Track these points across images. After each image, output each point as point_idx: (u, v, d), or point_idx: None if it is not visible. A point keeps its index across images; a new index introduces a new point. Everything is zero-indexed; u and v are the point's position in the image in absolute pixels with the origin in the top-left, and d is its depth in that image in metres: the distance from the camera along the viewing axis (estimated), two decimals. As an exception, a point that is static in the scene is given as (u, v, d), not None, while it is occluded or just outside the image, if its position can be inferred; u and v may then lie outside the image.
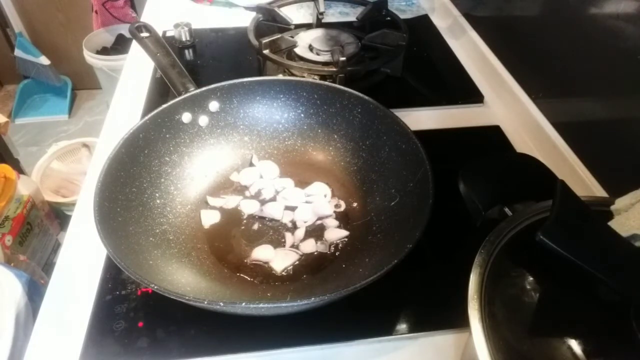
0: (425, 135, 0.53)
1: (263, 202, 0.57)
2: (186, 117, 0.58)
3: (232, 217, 0.56)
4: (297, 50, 0.79)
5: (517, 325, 0.34)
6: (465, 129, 0.71)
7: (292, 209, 0.56)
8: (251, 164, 0.62)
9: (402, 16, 0.92)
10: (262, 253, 0.51)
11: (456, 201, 0.48)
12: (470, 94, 0.78)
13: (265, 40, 0.76)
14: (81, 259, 0.52)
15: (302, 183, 0.60)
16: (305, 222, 0.55)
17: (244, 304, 0.37)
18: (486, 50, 0.83)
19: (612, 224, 0.36)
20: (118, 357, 0.43)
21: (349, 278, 0.47)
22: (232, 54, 0.88)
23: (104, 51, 1.98)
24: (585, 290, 0.35)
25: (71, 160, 1.68)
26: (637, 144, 0.53)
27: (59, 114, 2.16)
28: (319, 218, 0.55)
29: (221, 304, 0.38)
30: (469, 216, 0.47)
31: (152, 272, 0.44)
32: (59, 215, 1.44)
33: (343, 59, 0.72)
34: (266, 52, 0.76)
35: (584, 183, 0.59)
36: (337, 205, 0.57)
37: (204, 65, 0.85)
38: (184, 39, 0.88)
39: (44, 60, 2.04)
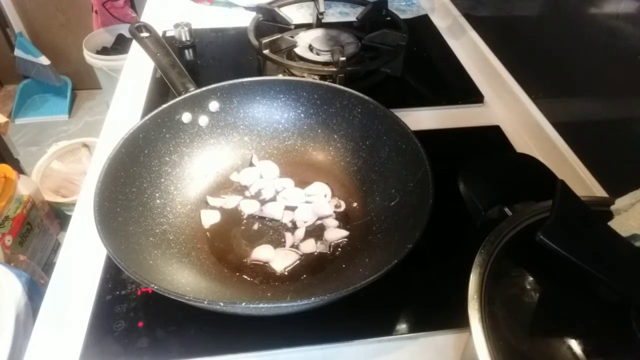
0: (425, 135, 0.53)
1: (263, 202, 0.57)
2: (186, 117, 0.58)
3: (232, 217, 0.56)
4: (297, 50, 0.79)
5: (517, 325, 0.34)
6: (465, 129, 0.71)
7: (292, 209, 0.56)
8: (251, 164, 0.62)
9: (402, 16, 0.92)
10: (262, 253, 0.51)
11: (456, 201, 0.47)
12: (470, 94, 0.78)
13: (265, 40, 0.76)
14: (81, 259, 0.52)
15: (302, 183, 0.60)
16: (305, 222, 0.55)
17: (244, 304, 0.37)
18: (486, 50, 0.83)
19: (612, 224, 0.36)
20: (118, 357, 0.43)
21: (349, 278, 0.47)
22: (232, 54, 0.88)
23: (104, 51, 1.98)
24: (585, 290, 0.35)
25: (71, 160, 1.68)
26: (637, 144, 0.53)
27: (59, 114, 2.16)
28: (319, 218, 0.55)
29: (221, 304, 0.38)
30: (469, 216, 0.46)
31: (152, 272, 0.44)
32: (59, 215, 1.44)
33: (343, 59, 0.72)
34: (266, 52, 0.76)
35: (584, 183, 0.59)
36: (337, 205, 0.57)
37: (204, 65, 0.85)
38: (184, 39, 0.88)
39: (44, 60, 2.04)
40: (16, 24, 2.02)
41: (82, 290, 0.48)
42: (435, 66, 0.86)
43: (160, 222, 0.52)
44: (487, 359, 0.30)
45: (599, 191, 0.57)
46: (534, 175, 0.50)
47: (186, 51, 0.88)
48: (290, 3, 0.94)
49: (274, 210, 0.56)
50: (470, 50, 0.88)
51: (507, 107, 0.75)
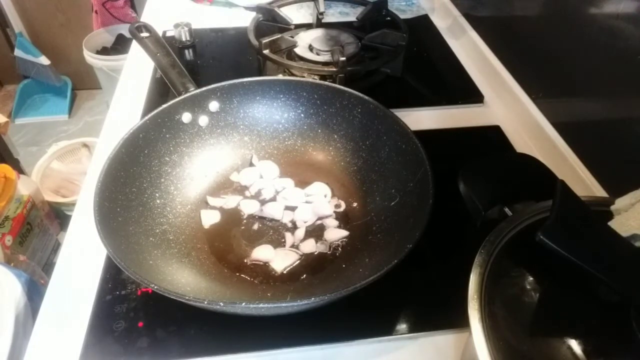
0: (425, 135, 0.53)
1: (263, 202, 0.57)
2: (186, 117, 0.58)
3: (232, 217, 0.56)
4: (297, 50, 0.79)
5: (517, 325, 0.34)
6: (465, 129, 0.71)
7: (292, 209, 0.56)
8: (251, 164, 0.62)
9: (402, 16, 0.92)
10: (262, 253, 0.51)
11: (456, 201, 0.47)
12: (470, 94, 0.78)
13: (265, 40, 0.76)
14: (81, 259, 0.52)
15: (302, 183, 0.60)
16: (305, 222, 0.55)
17: (244, 304, 0.37)
18: (486, 50, 0.83)
19: (612, 224, 0.36)
20: (118, 357, 0.43)
21: (349, 278, 0.47)
22: (232, 54, 0.88)
23: (104, 51, 1.98)
24: (585, 290, 0.35)
25: (71, 160, 1.68)
26: (637, 144, 0.53)
27: (59, 114, 2.16)
28: (319, 218, 0.55)
29: (221, 304, 0.38)
30: (469, 216, 0.46)
31: (152, 272, 0.44)
32: (59, 215, 1.44)
33: (343, 59, 0.72)
34: (266, 52, 0.76)
35: (584, 183, 0.59)
36: (337, 205, 0.57)
37: (204, 65, 0.85)
38: (184, 39, 0.88)
39: (44, 60, 2.04)
40: (16, 24, 2.02)
41: (82, 290, 0.48)
42: (435, 66, 0.86)
43: (160, 222, 0.52)
44: (487, 359, 0.30)
45: (599, 191, 0.57)
46: (534, 175, 0.50)
47: (186, 51, 0.88)
48: (290, 3, 0.94)
49: (274, 210, 0.56)
50: (470, 50, 0.88)
51: (507, 107, 0.75)
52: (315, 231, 0.54)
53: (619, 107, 0.57)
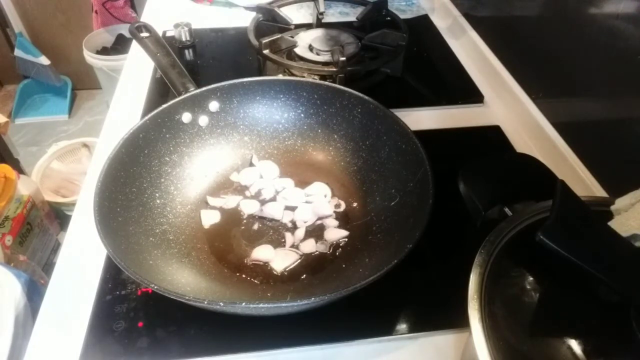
0: (425, 135, 0.53)
1: (263, 202, 0.57)
2: (186, 117, 0.58)
3: (232, 217, 0.56)
4: (297, 50, 0.79)
5: (517, 325, 0.34)
6: (465, 129, 0.71)
7: (292, 209, 0.56)
8: (251, 164, 0.62)
9: (402, 16, 0.92)
10: (262, 253, 0.51)
11: (456, 201, 0.47)
12: (470, 94, 0.78)
13: (265, 40, 0.76)
14: (81, 259, 0.52)
15: (302, 183, 0.60)
16: (305, 222, 0.55)
17: (244, 304, 0.37)
18: (486, 50, 0.83)
19: (612, 224, 0.36)
20: (118, 357, 0.43)
21: (349, 278, 0.47)
22: (232, 54, 0.88)
23: (104, 51, 1.98)
24: (585, 290, 0.35)
25: (71, 160, 1.68)
26: (637, 144, 0.53)
27: (59, 114, 2.16)
28: (319, 218, 0.55)
29: (221, 304, 0.38)
30: (469, 216, 0.46)
31: (152, 272, 0.44)
32: (59, 215, 1.44)
33: (343, 59, 0.72)
34: (266, 52, 0.76)
35: (584, 183, 0.59)
36: (337, 205, 0.57)
37: (204, 65, 0.85)
38: (184, 39, 0.88)
39: (44, 60, 2.04)
40: (16, 24, 2.02)
41: (82, 290, 0.48)
42: (435, 66, 0.86)
43: (160, 222, 0.52)
44: (487, 359, 0.30)
45: (599, 191, 0.57)
46: (534, 175, 0.50)
47: (186, 51, 0.88)
48: (290, 3, 0.94)
49: (274, 210, 0.56)
50: (470, 50, 0.88)
51: (507, 107, 0.75)
52: (315, 231, 0.54)
53: (619, 107, 0.57)
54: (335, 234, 0.53)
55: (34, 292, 0.85)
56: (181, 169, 0.57)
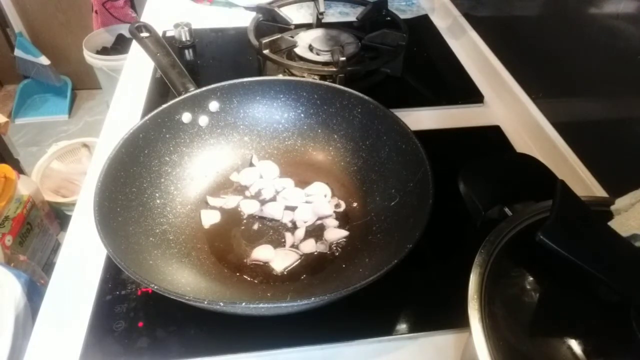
0: (425, 135, 0.53)
1: (263, 202, 0.57)
2: (186, 117, 0.58)
3: (232, 217, 0.56)
4: (297, 50, 0.79)
5: (517, 325, 0.34)
6: (465, 129, 0.71)
7: (292, 209, 0.56)
8: (251, 164, 0.62)
9: (402, 16, 0.92)
10: (262, 253, 0.51)
11: (456, 201, 0.48)
12: (470, 94, 0.78)
13: (265, 40, 0.76)
14: (81, 259, 0.52)
15: (302, 183, 0.60)
16: (305, 222, 0.55)
17: (244, 304, 0.37)
18: (486, 50, 0.83)
19: (612, 224, 0.36)
20: (118, 357, 0.43)
21: (349, 278, 0.47)
22: (232, 54, 0.88)
23: (104, 51, 1.98)
24: (585, 290, 0.35)
25: (71, 160, 1.68)
26: (637, 144, 0.53)
27: (59, 114, 2.16)
28: (319, 218, 0.55)
29: (221, 304, 0.38)
30: (469, 216, 0.47)
31: (152, 272, 0.44)
32: (59, 215, 1.44)
33: (343, 59, 0.72)
34: (266, 52, 0.76)
35: (584, 183, 0.59)
36: (337, 205, 0.57)
37: (204, 65, 0.85)
38: (184, 39, 0.88)
39: (44, 60, 2.04)
40: (16, 24, 2.02)
41: (82, 290, 0.48)
42: (435, 66, 0.86)
43: (160, 222, 0.52)
44: (487, 359, 0.30)
45: (599, 191, 0.57)
46: (534, 175, 0.50)
47: (186, 51, 0.88)
48: (290, 3, 0.94)
49: (274, 210, 0.56)
50: (470, 50, 0.88)
51: (507, 107, 0.75)
52: (315, 231, 0.54)
53: (619, 107, 0.57)
54: (335, 234, 0.53)
55: (34, 292, 0.85)
56: (181, 169, 0.57)
